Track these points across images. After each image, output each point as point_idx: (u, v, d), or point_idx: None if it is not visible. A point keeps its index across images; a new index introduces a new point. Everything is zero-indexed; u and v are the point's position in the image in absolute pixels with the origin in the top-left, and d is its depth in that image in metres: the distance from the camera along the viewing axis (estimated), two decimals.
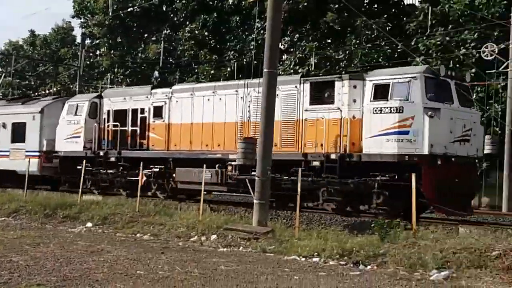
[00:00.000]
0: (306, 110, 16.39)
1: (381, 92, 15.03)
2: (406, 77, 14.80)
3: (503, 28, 20.29)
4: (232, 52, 32.79)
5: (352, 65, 25.77)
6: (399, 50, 25.21)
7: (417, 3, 27.99)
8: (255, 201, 14.18)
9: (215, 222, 14.55)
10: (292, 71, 27.19)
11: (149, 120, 20.35)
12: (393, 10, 29.27)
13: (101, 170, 21.27)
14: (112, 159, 21.11)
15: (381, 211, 14.90)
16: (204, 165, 17.31)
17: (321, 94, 16.15)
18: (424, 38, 24.41)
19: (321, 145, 15.89)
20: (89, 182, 21.41)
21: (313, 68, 26.37)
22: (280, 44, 23.58)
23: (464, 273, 9.71)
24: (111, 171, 21.02)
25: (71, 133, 22.35)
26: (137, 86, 25.40)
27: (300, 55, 28.57)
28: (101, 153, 21.38)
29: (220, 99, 18.53)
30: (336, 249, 11.36)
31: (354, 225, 14.66)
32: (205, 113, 18.80)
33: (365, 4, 29.92)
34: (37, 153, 23.81)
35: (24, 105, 26.07)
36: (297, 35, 29.84)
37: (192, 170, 18.33)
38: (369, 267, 10.61)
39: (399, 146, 14.51)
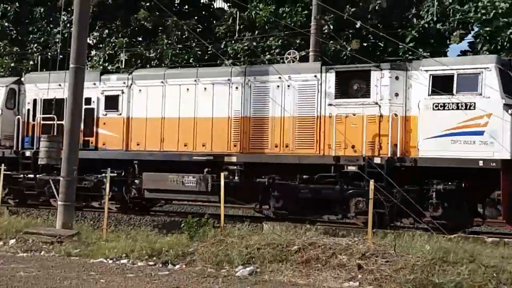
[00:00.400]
0: (330, 105, 14.01)
1: (441, 84, 12.86)
2: (477, 68, 12.70)
3: (304, 36, 21.68)
4: (35, 45, 30.88)
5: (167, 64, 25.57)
6: (209, 52, 25.72)
7: (226, 8, 28.77)
8: (59, 202, 13.50)
9: (14, 225, 13.55)
10: (101, 67, 26.36)
11: (97, 113, 16.80)
12: (204, 13, 29.78)
13: (28, 175, 16.90)
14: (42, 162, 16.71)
15: (433, 225, 12.27)
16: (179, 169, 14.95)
17: (351, 86, 13.85)
18: (233, 42, 25.21)
19: (353, 146, 13.67)
20: (4, 190, 16.51)
21: (123, 66, 25.85)
22: (88, 39, 22.77)
23: (268, 267, 10.14)
24: (38, 176, 16.61)
25: None
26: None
27: (110, 52, 27.83)
28: (28, 153, 17.14)
29: (206, 88, 15.54)
30: (145, 250, 11.24)
31: (164, 225, 14.61)
32: (183, 105, 15.68)
33: (176, 4, 30.05)
34: None
35: None
36: (107, 30, 29.03)
37: (168, 176, 15.16)
38: (177, 266, 10.65)
39: (472, 149, 12.42)
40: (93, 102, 16.84)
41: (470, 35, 21.83)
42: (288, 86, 14.41)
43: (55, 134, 16.36)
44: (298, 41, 23.83)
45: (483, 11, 20.53)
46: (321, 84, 14.21)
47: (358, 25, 23.08)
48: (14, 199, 17.71)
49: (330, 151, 13.92)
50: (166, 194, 15.69)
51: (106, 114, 16.76)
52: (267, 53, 24.30)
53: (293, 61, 16.23)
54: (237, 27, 24.76)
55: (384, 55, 22.47)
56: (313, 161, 13.97)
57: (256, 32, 25.14)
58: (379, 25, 23.10)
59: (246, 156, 14.86)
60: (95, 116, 16.83)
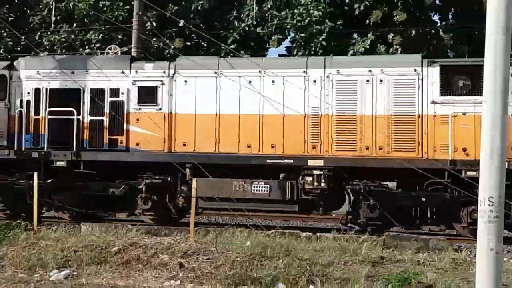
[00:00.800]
0: (434, 103, 12.80)
1: None
2: None
3: (126, 32, 21.18)
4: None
5: None
6: (22, 43, 24.06)
7: None
8: None
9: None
10: None
11: (128, 107, 14.33)
12: (16, 1, 27.79)
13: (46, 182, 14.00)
14: (61, 163, 14.26)
15: None
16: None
17: (459, 82, 12.74)
18: (49, 33, 23.83)
19: (464, 149, 12.56)
20: None
21: None
22: None
23: (85, 270, 9.72)
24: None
25: None
26: (99, 56, 17.45)
27: None
28: (35, 155, 14.28)
29: (274, 81, 13.69)
30: None
31: None
32: (244, 100, 13.71)
33: None
34: None
35: None
36: None
37: (233, 182, 13.38)
38: None
39: None
40: (122, 94, 14.37)
41: (287, 40, 22.95)
42: (381, 80, 13.08)
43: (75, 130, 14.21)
44: (120, 36, 23.22)
45: (298, 18, 21.66)
46: (421, 79, 12.98)
47: (181, 24, 23.11)
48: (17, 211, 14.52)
49: (435, 154, 12.84)
50: (228, 203, 13.21)
51: (140, 109, 14.34)
52: (86, 46, 23.35)
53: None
54: (53, 18, 23.44)
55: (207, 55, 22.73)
56: (422, 165, 12.54)
57: (75, 24, 24.03)
58: (201, 25, 23.34)
59: (335, 160, 13.22)
60: (125, 111, 14.38)
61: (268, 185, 13.28)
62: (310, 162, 13.15)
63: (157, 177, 13.86)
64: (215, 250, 9.98)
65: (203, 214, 16.28)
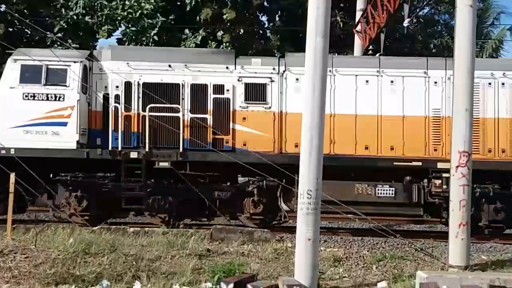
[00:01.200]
0: None
1: None
2: None
3: None
4: None
5: None
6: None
7: None
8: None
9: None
10: None
11: (234, 105, 13.49)
12: None
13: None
14: (164, 164, 13.07)
15: None
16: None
17: None
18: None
19: None
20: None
21: None
22: None
23: None
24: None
25: (40, 116, 13.03)
26: (200, 49, 16.83)
27: None
28: (134, 155, 12.98)
29: (392, 81, 13.44)
30: None
31: None
32: (361, 100, 13.39)
33: None
34: None
35: None
36: None
37: (355, 185, 13.03)
38: None
39: None
40: (227, 90, 13.58)
41: (118, 31, 22.41)
42: (503, 84, 13.28)
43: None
44: None
45: (129, 10, 21.25)
46: None
47: (3, 9, 21.53)
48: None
49: None
50: (349, 206, 12.18)
51: (247, 107, 13.60)
52: None
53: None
54: None
55: (32, 43, 21.47)
56: None
57: None
58: (25, 11, 21.95)
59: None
60: (230, 109, 13.54)
61: (393, 188, 13.14)
62: (440, 165, 13.04)
63: (270, 179, 13.12)
64: (35, 248, 9.50)
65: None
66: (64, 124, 13.05)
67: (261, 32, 23.23)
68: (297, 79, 13.63)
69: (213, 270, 9.28)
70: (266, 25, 24.30)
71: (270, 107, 13.68)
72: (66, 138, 12.94)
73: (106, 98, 13.52)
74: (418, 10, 22.40)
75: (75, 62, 13.30)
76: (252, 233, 12.00)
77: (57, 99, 13.10)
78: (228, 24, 20.94)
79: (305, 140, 8.69)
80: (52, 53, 13.51)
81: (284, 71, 13.76)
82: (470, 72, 10.25)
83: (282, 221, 13.92)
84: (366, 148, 13.45)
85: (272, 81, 13.73)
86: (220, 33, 20.81)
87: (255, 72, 13.74)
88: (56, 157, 12.89)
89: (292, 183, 12.50)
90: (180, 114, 13.24)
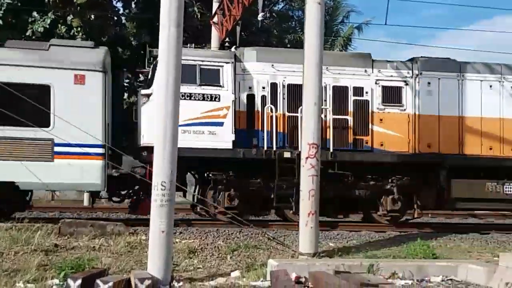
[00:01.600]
0: None
1: None
2: None
3: None
4: None
5: None
6: None
7: None
8: None
9: None
10: None
11: (372, 107, 14.27)
12: None
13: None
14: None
15: None
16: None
17: None
18: None
19: None
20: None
21: None
22: None
23: None
24: None
25: (196, 116, 13.36)
26: (340, 52, 18.10)
27: None
28: (287, 155, 13.40)
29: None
30: None
31: None
32: (485, 104, 14.66)
33: None
34: (98, 150, 12.62)
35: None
36: None
37: (486, 183, 14.14)
38: None
39: None
40: (366, 93, 14.34)
41: None
42: None
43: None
44: None
45: None
46: None
47: None
48: None
49: None
50: (480, 204, 14.45)
51: (384, 109, 14.43)
52: None
53: None
54: None
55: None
56: None
57: None
58: None
59: None
60: (369, 111, 14.32)
61: None
62: None
63: (406, 178, 14.21)
64: None
65: None
66: (221, 124, 13.53)
67: (115, 18, 22.45)
68: (429, 83, 14.65)
69: (60, 266, 8.83)
70: (122, 12, 23.56)
71: (405, 109, 14.55)
72: (223, 138, 13.47)
73: (249, 98, 13.97)
74: (272, 4, 23.18)
75: (227, 63, 13.80)
76: (104, 226, 11.67)
77: (213, 99, 13.55)
78: (79, 8, 19.97)
79: (160, 131, 8.48)
80: (204, 53, 14.27)
81: (417, 75, 14.69)
82: (318, 66, 10.83)
83: (412, 218, 15.02)
84: (490, 148, 14.72)
85: (406, 84, 14.63)
86: (70, 17, 19.78)
87: (391, 76, 14.64)
88: (211, 156, 13.36)
89: (425, 181, 14.44)
90: (330, 115, 14.02)
